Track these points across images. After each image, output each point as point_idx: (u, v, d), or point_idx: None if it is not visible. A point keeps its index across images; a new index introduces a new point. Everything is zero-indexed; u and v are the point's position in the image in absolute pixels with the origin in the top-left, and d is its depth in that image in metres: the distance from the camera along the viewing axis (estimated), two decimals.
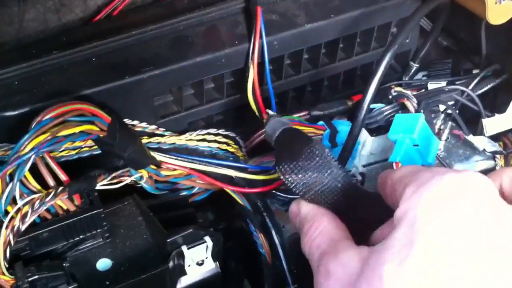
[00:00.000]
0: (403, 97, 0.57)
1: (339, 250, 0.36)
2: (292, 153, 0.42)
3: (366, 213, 0.40)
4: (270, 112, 0.53)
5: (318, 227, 0.39)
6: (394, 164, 0.48)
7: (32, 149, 0.43)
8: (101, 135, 0.47)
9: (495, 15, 0.52)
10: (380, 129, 0.58)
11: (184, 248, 0.49)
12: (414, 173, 0.35)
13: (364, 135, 0.55)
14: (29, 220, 0.44)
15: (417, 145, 0.50)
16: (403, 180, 0.35)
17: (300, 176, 0.41)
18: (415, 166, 0.38)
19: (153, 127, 0.54)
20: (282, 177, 0.42)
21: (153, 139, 0.54)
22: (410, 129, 0.50)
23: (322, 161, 0.41)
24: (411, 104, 0.57)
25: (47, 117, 0.45)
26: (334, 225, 0.39)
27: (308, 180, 0.41)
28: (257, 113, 0.56)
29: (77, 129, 0.45)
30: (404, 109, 0.57)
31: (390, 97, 0.58)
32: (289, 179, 0.42)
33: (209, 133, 0.57)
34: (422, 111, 0.56)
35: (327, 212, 0.41)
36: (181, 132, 0.56)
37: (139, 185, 0.52)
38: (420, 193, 0.32)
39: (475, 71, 0.62)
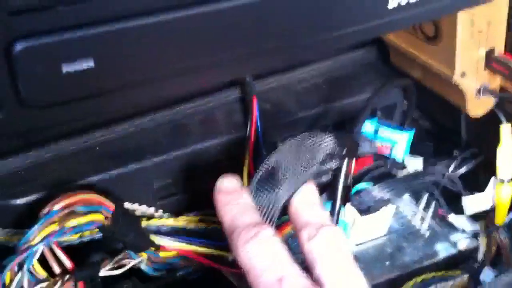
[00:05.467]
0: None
1: None
2: None
3: None
4: None
5: None
6: None
7: (41, 240, 0.45)
8: (105, 223, 0.49)
9: (474, 108, 0.56)
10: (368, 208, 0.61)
11: None
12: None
13: (353, 214, 0.58)
14: None
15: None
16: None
17: None
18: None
19: (152, 209, 0.56)
20: None
21: (152, 222, 0.56)
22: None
23: None
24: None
25: (55, 207, 0.47)
26: None
27: None
28: None
29: (84, 219, 0.47)
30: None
31: None
32: None
33: (206, 214, 0.59)
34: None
35: None
36: (178, 213, 0.58)
37: (136, 267, 0.54)
38: None
39: (455, 153, 0.65)
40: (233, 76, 0.50)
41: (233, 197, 0.44)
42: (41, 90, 0.27)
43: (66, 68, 0.26)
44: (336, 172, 0.50)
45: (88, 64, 0.26)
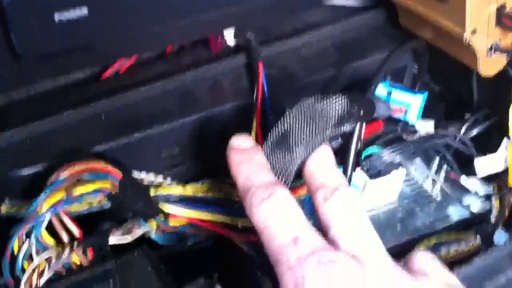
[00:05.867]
0: None
1: None
2: None
3: None
4: None
5: None
6: None
7: (48, 209, 0.45)
8: (113, 192, 0.49)
9: (486, 68, 0.55)
10: (379, 173, 0.60)
11: None
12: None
13: (363, 178, 0.57)
14: (46, 276, 0.45)
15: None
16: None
17: None
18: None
19: (160, 178, 0.56)
20: None
21: (160, 190, 0.55)
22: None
23: None
24: None
25: (61, 176, 0.47)
26: None
27: None
28: None
29: (91, 187, 0.47)
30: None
31: None
32: None
33: (214, 182, 0.59)
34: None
35: None
36: (187, 182, 0.58)
37: (146, 237, 0.54)
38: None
39: (466, 115, 0.64)
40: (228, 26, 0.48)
41: (247, 156, 0.42)
42: (34, 40, 0.26)
43: (59, 16, 0.25)
44: (349, 135, 0.48)
45: (82, 12, 0.25)
